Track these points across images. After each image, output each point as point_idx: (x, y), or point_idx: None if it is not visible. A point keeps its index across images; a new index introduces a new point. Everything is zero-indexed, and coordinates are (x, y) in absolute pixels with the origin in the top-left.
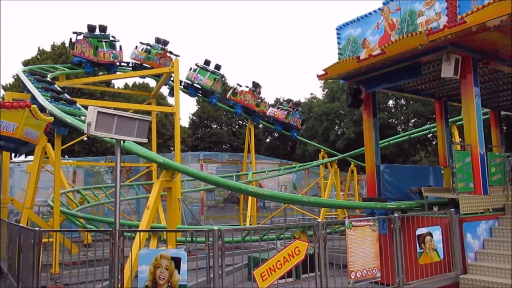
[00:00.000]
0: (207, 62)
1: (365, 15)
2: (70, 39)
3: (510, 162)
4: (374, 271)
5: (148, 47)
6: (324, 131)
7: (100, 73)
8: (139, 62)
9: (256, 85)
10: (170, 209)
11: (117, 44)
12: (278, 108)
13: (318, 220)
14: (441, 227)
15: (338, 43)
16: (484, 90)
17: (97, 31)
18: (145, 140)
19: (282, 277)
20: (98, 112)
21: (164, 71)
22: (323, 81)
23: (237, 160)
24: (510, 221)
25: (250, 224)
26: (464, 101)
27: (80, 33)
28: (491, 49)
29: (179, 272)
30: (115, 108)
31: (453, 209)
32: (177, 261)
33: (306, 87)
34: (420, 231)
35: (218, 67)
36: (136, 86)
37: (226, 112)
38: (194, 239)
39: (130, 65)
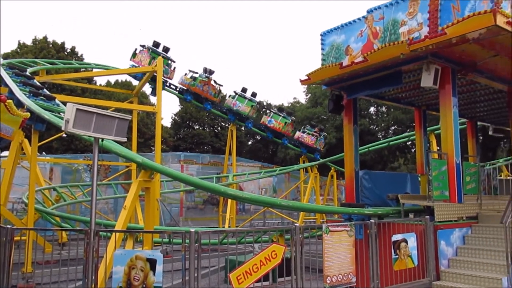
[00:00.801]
0: (244, 90)
1: (349, 23)
2: (135, 49)
3: (484, 171)
4: (349, 276)
5: (195, 75)
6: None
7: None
8: (185, 87)
9: (289, 113)
10: (147, 209)
11: (172, 65)
12: (303, 132)
13: (295, 224)
14: (416, 234)
15: (322, 49)
16: (462, 100)
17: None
18: (124, 139)
19: (259, 280)
20: (77, 109)
21: (147, 70)
22: (306, 86)
23: (218, 161)
24: (483, 229)
25: (229, 227)
26: (442, 111)
27: (144, 46)
28: (470, 61)
29: (154, 274)
30: (95, 106)
31: (428, 217)
32: (152, 262)
33: (290, 91)
34: (395, 237)
35: (254, 94)
36: (118, 84)
37: (208, 113)
38: (171, 240)
39: (177, 89)
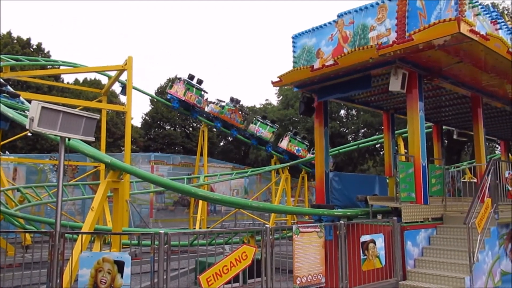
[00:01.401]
0: (264, 117)
1: (320, 26)
2: (173, 80)
3: (449, 174)
4: (319, 276)
5: (223, 103)
6: (277, 137)
7: (48, 66)
8: (214, 115)
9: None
10: (116, 211)
11: (205, 95)
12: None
13: (266, 225)
14: (384, 235)
15: (294, 51)
16: (428, 105)
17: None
18: (92, 139)
19: (229, 282)
20: (42, 107)
21: (116, 69)
22: (278, 88)
23: (189, 162)
24: (447, 230)
25: (200, 228)
26: (409, 114)
27: (180, 78)
28: (435, 66)
29: (122, 276)
30: (62, 104)
31: (395, 218)
32: (120, 264)
33: (262, 93)
34: (364, 238)
35: (274, 121)
36: (87, 82)
37: (180, 113)
38: (140, 242)
39: (209, 117)
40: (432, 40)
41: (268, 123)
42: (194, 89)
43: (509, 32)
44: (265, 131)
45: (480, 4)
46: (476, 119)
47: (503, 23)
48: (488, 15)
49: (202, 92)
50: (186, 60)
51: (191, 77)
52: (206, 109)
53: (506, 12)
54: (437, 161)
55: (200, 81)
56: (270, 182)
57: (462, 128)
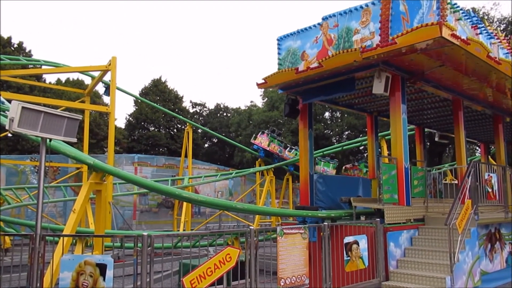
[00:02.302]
0: (331, 157)
1: (305, 29)
2: (256, 132)
3: (431, 176)
4: (303, 278)
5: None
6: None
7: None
8: (261, 147)
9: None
10: (98, 213)
11: (284, 145)
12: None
13: (251, 227)
14: (367, 236)
15: (279, 53)
16: (410, 107)
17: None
18: (74, 140)
19: (213, 284)
20: (23, 107)
21: (100, 69)
22: (263, 90)
23: (174, 164)
24: (429, 231)
25: (184, 230)
26: (392, 117)
27: (264, 131)
28: (418, 70)
29: (104, 279)
30: (44, 105)
31: (378, 219)
32: (102, 267)
33: (247, 94)
34: (347, 239)
35: (332, 157)
36: (70, 83)
37: (164, 114)
38: (123, 244)
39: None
40: (415, 44)
41: (331, 161)
42: (276, 140)
43: (489, 37)
44: (329, 169)
45: (461, 9)
46: (457, 122)
47: (483, 28)
48: (469, 20)
49: (283, 144)
50: (171, 60)
51: (273, 130)
52: (284, 156)
53: (486, 17)
54: (419, 163)
55: (279, 133)
56: (254, 184)
57: (443, 131)
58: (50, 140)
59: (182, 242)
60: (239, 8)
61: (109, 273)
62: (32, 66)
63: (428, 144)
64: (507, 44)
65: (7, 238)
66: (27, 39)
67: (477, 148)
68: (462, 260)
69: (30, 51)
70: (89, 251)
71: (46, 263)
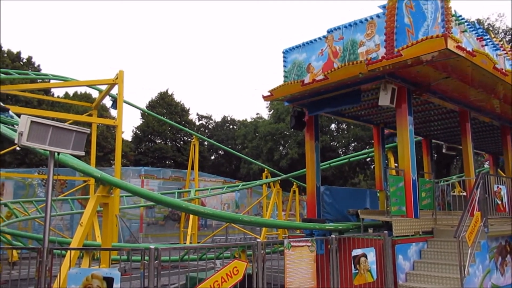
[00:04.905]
0: None
1: (310, 41)
2: None
3: (439, 187)
4: None
5: None
6: (268, 151)
7: (38, 80)
8: None
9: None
10: (105, 226)
11: None
12: None
13: (258, 239)
14: (375, 249)
15: (284, 66)
16: (417, 119)
17: None
18: (82, 153)
19: None
20: (32, 121)
21: (107, 83)
22: (269, 102)
23: (180, 176)
24: (438, 243)
25: (190, 243)
26: (398, 129)
27: None
28: (424, 81)
29: None
30: (52, 118)
31: (386, 232)
32: (109, 281)
33: (253, 107)
34: (355, 252)
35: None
36: (77, 96)
37: (171, 127)
38: (130, 257)
39: None
40: (420, 56)
41: None
42: None
43: (495, 48)
44: None
45: (466, 21)
46: (465, 133)
47: (489, 40)
48: (474, 32)
49: None
50: (177, 73)
51: None
52: None
53: (491, 28)
54: (427, 175)
55: None
56: (261, 196)
57: (451, 142)
58: (58, 153)
59: (189, 255)
60: (245, 20)
61: (116, 286)
62: (40, 80)
63: (436, 155)
64: None
65: (14, 251)
66: (36, 54)
67: (483, 158)
68: (473, 274)
69: (38, 65)
70: (95, 264)
71: (53, 277)
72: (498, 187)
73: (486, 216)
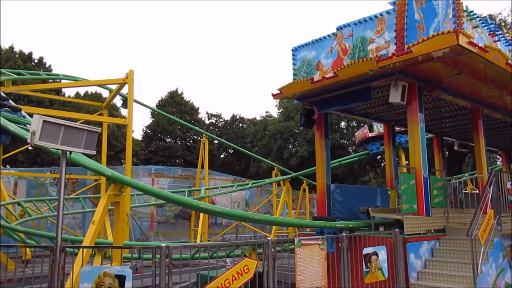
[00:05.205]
0: None
1: (320, 39)
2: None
3: (450, 185)
4: None
5: None
6: (278, 149)
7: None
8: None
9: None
10: (117, 224)
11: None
12: None
13: (268, 238)
14: (386, 247)
15: (293, 64)
16: (428, 116)
17: None
18: (93, 152)
19: None
20: (44, 121)
21: (117, 82)
22: (278, 100)
23: (190, 175)
24: (450, 242)
25: (201, 241)
26: (409, 126)
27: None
28: (435, 78)
29: None
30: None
31: (397, 230)
32: (121, 279)
33: (262, 105)
34: (366, 250)
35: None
36: (88, 96)
37: (180, 126)
38: (141, 256)
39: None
40: (431, 52)
41: None
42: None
43: (507, 44)
44: None
45: (478, 17)
46: (477, 130)
47: (501, 35)
48: (486, 27)
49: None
50: (187, 72)
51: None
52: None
53: (503, 23)
54: (439, 172)
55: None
56: (271, 194)
57: (462, 139)
58: (70, 152)
59: (200, 253)
60: (255, 19)
61: (128, 284)
62: (51, 80)
63: (447, 153)
64: None
65: (27, 249)
66: (47, 54)
67: (498, 156)
68: (486, 272)
69: (50, 66)
70: (107, 262)
71: (66, 275)
72: (511, 184)
73: (499, 214)
